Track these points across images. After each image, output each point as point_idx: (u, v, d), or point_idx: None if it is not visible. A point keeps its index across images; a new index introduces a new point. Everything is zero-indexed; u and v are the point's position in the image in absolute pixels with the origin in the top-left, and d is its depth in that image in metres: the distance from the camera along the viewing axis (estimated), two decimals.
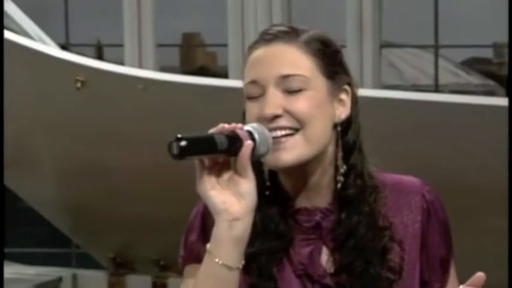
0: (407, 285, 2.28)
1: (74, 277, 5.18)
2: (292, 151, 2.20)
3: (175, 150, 2.01)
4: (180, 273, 5.05)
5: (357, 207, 2.27)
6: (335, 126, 2.25)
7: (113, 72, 3.92)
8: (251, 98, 2.24)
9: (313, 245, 2.29)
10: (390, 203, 2.29)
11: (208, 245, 2.14)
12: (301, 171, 2.25)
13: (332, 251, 2.28)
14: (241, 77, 5.62)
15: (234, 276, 2.17)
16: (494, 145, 3.56)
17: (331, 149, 2.26)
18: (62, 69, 3.92)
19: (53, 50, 3.95)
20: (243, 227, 2.12)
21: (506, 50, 9.06)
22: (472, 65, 9.18)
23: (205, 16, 9.23)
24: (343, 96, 2.26)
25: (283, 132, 2.17)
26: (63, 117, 4.18)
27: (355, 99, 2.29)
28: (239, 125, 2.14)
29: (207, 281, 2.19)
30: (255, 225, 2.18)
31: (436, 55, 7.42)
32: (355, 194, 2.27)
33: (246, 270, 2.21)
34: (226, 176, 2.12)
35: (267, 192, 2.25)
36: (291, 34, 2.24)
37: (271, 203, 2.28)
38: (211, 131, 2.09)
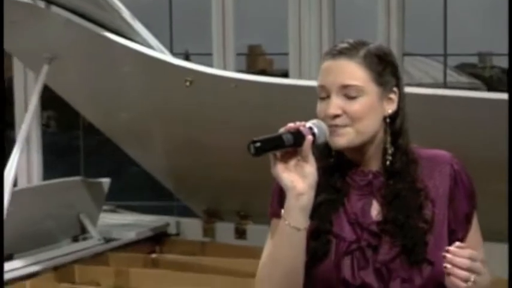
0: (438, 233, 2.25)
1: (177, 223, 5.19)
2: (344, 138, 2.20)
3: (252, 150, 2.04)
4: (255, 221, 5.07)
5: (402, 177, 2.24)
6: (384, 118, 2.23)
7: (214, 74, 3.93)
8: (320, 98, 2.26)
9: (365, 199, 2.27)
10: (426, 171, 2.26)
11: (282, 212, 2.17)
12: (356, 149, 2.24)
13: (380, 206, 2.25)
14: (299, 78, 5.58)
15: (302, 236, 2.18)
16: (491, 128, 3.55)
17: (381, 135, 2.24)
18: (175, 71, 3.92)
19: (168, 57, 3.96)
20: (307, 199, 2.14)
21: (488, 58, 9.07)
22: (462, 68, 9.13)
23: (265, 32, 9.21)
24: (392, 95, 2.24)
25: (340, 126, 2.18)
26: (173, 108, 4.20)
27: (402, 96, 2.26)
28: (302, 123, 2.14)
29: (282, 240, 2.21)
30: (320, 183, 2.19)
31: (445, 62, 7.37)
32: (401, 167, 2.25)
33: (311, 216, 2.21)
34: (293, 161, 2.13)
35: (332, 160, 2.26)
36: (352, 51, 2.21)
37: (335, 166, 2.27)
38: (281, 130, 2.10)
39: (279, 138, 2.08)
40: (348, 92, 2.19)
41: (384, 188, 2.26)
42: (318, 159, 2.27)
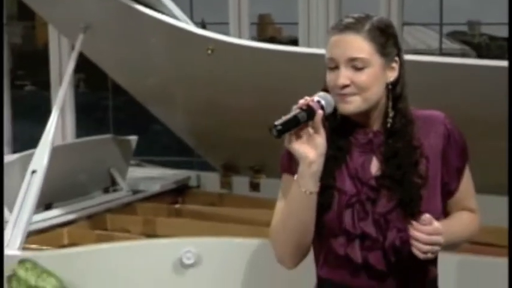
0: (432, 187, 2.27)
1: (198, 177, 5.20)
2: (352, 105, 2.23)
3: (274, 133, 2.08)
4: (268, 176, 5.05)
5: (400, 136, 2.26)
6: (387, 85, 2.24)
7: (233, 43, 3.91)
8: (330, 68, 2.26)
9: (365, 156, 2.28)
10: (422, 130, 2.27)
11: (295, 177, 2.20)
12: (361, 113, 2.25)
13: (379, 162, 2.27)
14: (307, 46, 5.52)
15: (313, 198, 2.22)
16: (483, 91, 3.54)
17: (383, 100, 2.26)
18: (199, 40, 3.90)
19: (192, 27, 3.94)
20: (317, 166, 2.16)
21: (476, 26, 9.07)
22: (454, 36, 9.10)
23: (274, 1, 9.14)
24: (394, 64, 2.25)
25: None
26: (196, 73, 4.18)
27: (402, 64, 2.27)
28: (311, 98, 2.17)
29: (295, 201, 2.24)
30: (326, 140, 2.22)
31: (441, 31, 7.33)
32: (400, 128, 2.26)
33: None
34: (305, 134, 2.15)
35: (336, 122, 2.27)
36: (357, 25, 2.21)
37: (339, 126, 2.28)
38: (293, 108, 2.13)
39: (295, 118, 2.11)
40: (356, 64, 2.20)
41: (384, 146, 2.28)
42: (323, 121, 2.30)
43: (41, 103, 7.16)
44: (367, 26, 2.21)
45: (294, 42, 6.84)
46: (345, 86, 2.19)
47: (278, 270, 3.31)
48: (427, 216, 2.15)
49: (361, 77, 2.19)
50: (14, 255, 3.53)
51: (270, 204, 4.76)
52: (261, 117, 4.22)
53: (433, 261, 2.33)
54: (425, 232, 2.13)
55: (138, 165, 5.32)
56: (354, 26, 2.21)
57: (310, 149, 2.15)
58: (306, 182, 2.18)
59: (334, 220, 2.27)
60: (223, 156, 5.02)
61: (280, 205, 2.33)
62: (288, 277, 3.20)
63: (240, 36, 6.12)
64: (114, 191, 4.80)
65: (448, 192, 2.31)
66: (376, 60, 2.21)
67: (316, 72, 3.44)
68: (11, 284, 3.35)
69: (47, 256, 3.54)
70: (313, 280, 2.43)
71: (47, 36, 7.05)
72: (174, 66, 4.20)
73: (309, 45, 5.94)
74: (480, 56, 8.58)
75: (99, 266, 3.50)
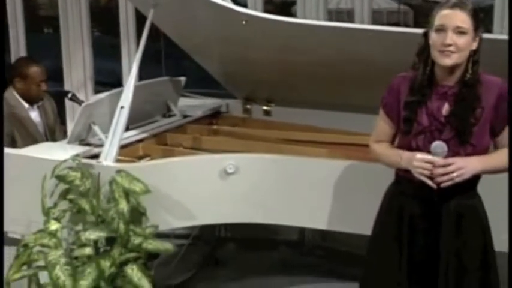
0: (482, 128, 2.45)
1: (227, 104, 5.21)
2: (452, 59, 2.38)
3: None
4: (277, 105, 5.05)
5: (470, 88, 2.42)
6: (470, 52, 2.39)
7: (262, 17, 3.89)
8: (438, 32, 2.37)
9: (440, 102, 2.45)
10: (483, 87, 2.43)
11: (401, 154, 2.51)
12: (449, 69, 2.41)
13: (449, 107, 2.44)
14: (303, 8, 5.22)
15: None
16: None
17: (466, 62, 2.40)
18: (235, 14, 3.86)
19: (231, 4, 3.92)
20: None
21: None
22: None
23: None
24: (477, 38, 2.39)
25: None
26: (233, 37, 4.15)
27: (481, 38, 2.42)
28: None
29: (390, 160, 2.56)
30: (415, 87, 2.42)
31: None
32: (471, 83, 2.41)
33: (405, 108, 2.46)
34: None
35: (427, 72, 2.44)
36: (462, 5, 2.36)
37: (426, 79, 2.45)
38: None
39: None
40: (459, 31, 2.35)
41: (455, 95, 2.44)
42: (415, 68, 2.47)
43: (104, 44, 7.12)
44: (469, 7, 2.36)
45: (286, 3, 6.57)
46: (449, 45, 2.33)
47: (291, 184, 3.46)
48: (448, 160, 2.36)
49: (461, 40, 2.35)
50: (111, 166, 3.62)
51: (279, 126, 4.89)
52: (275, 68, 4.33)
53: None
54: (442, 170, 2.36)
55: (182, 95, 5.32)
56: (461, 5, 2.36)
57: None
58: (405, 164, 2.42)
59: (411, 142, 2.48)
60: (245, 90, 5.02)
61: (378, 124, 2.59)
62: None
63: (255, 5, 5.95)
64: (170, 116, 4.83)
65: (493, 133, 2.48)
66: (471, 31, 2.37)
67: (309, 37, 3.41)
68: (112, 187, 3.46)
69: (136, 167, 3.63)
70: None
71: None
72: (217, 31, 4.19)
73: (304, 9, 5.77)
74: (416, 13, 8.43)
75: (171, 173, 3.59)
